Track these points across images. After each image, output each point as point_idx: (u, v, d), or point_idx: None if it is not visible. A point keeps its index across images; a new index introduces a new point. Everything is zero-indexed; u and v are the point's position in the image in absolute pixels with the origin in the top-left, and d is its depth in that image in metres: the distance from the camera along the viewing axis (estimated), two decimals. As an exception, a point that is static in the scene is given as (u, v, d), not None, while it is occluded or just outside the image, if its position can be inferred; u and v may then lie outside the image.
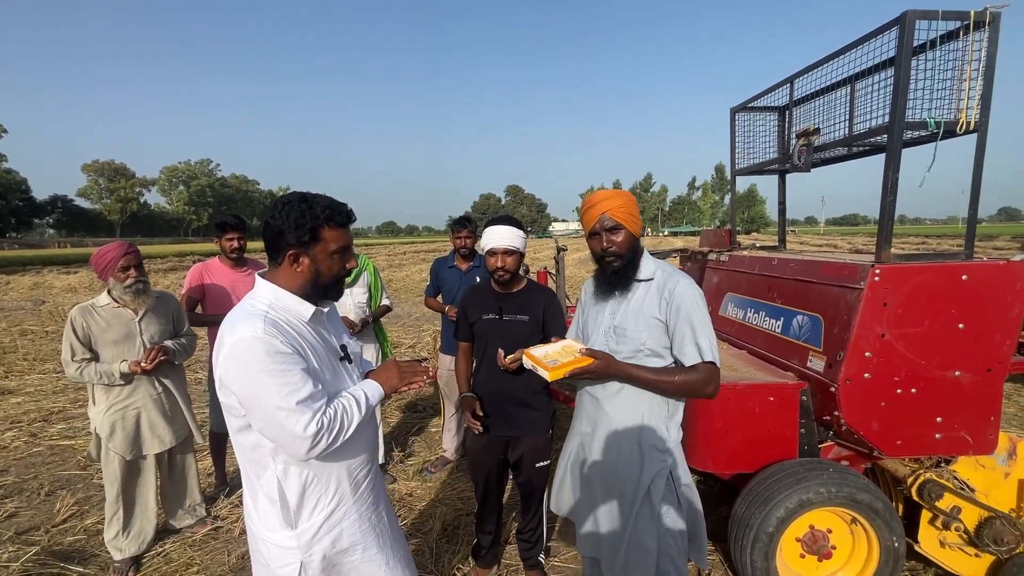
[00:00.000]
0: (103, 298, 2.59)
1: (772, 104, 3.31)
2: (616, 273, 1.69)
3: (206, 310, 3.20)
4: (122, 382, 2.54)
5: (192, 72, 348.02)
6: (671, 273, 1.67)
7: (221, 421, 3.29)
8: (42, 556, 2.66)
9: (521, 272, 2.36)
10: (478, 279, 3.47)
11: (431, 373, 1.54)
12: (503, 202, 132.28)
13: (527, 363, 1.69)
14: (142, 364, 2.50)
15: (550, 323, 2.25)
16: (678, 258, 4.82)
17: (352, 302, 3.32)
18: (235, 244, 3.21)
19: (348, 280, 3.26)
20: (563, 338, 1.82)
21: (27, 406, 5.13)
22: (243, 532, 2.88)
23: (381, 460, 3.47)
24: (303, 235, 1.30)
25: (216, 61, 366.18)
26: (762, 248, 3.54)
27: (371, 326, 3.44)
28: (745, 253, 3.32)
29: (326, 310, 1.45)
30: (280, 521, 1.34)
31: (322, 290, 1.38)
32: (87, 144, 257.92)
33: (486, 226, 2.26)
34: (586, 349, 1.62)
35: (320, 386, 1.29)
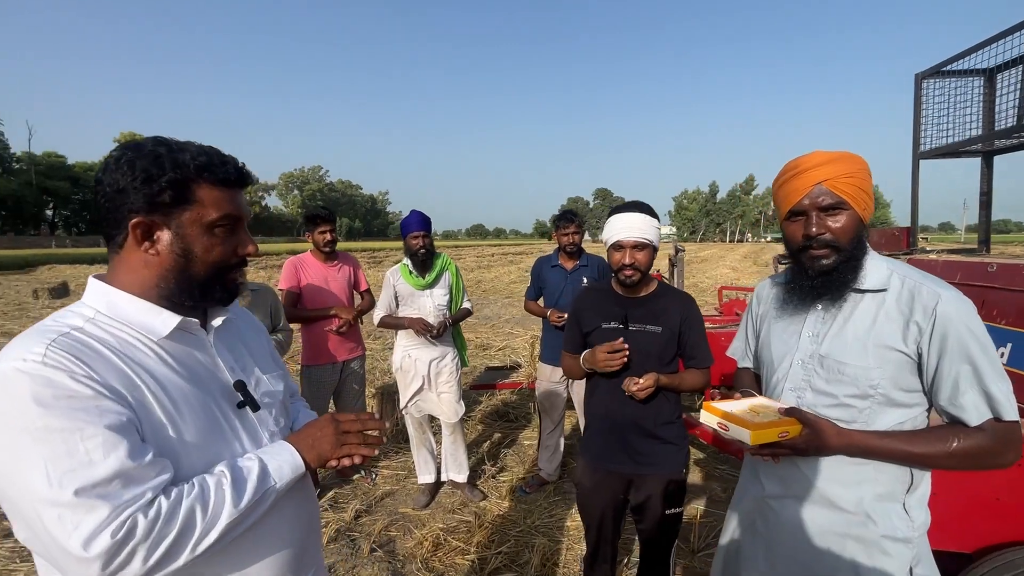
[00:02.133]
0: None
1: (976, 67, 2.57)
2: (826, 274, 1.16)
3: (303, 303, 3.13)
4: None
5: (308, 81, 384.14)
6: (922, 280, 1.12)
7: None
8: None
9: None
10: (585, 280, 3.07)
11: (383, 439, 1.06)
12: (591, 205, 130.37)
13: (708, 418, 1.22)
14: None
15: (687, 337, 1.81)
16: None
17: (432, 304, 3.05)
18: (328, 237, 3.13)
19: (428, 279, 3.00)
20: (752, 393, 1.31)
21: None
22: (330, 540, 2.73)
23: (464, 478, 3.20)
24: (159, 193, 0.81)
25: (326, 70, 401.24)
26: (954, 252, 2.78)
27: (450, 330, 3.15)
28: (933, 257, 2.60)
29: (216, 323, 0.93)
30: None
31: (198, 287, 0.87)
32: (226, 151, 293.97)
33: (610, 214, 1.85)
34: (789, 409, 1.13)
35: (149, 456, 0.74)
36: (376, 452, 1.00)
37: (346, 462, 0.95)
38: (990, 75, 2.54)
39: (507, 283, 16.11)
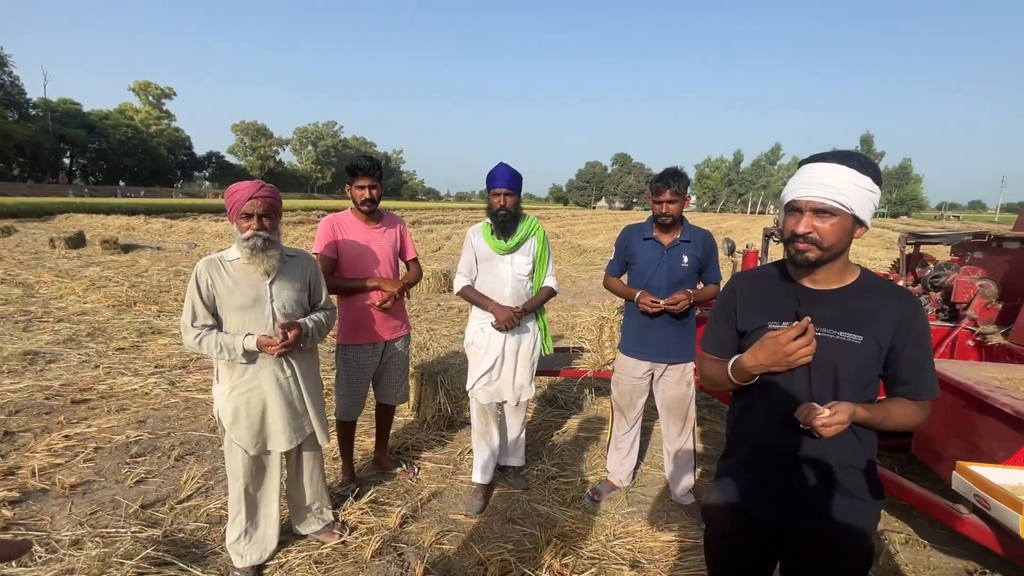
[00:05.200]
0: (233, 251, 2.05)
1: None
2: None
3: (341, 271, 2.62)
4: (244, 360, 2.00)
5: (321, 34, 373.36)
6: None
7: (350, 408, 2.75)
8: (161, 548, 2.28)
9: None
10: (686, 259, 2.51)
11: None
12: (609, 170, 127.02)
13: (962, 486, 1.01)
14: (278, 343, 1.94)
15: (903, 354, 1.22)
16: (961, 244, 3.38)
17: (511, 272, 2.57)
18: (366, 194, 2.57)
19: (510, 244, 2.52)
20: None
21: (171, 348, 5.20)
22: (375, 555, 2.32)
23: (519, 462, 2.93)
24: None
25: (340, 24, 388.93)
26: None
27: (534, 315, 2.72)
28: None
29: None
30: None
31: None
32: (237, 105, 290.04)
33: (800, 165, 1.29)
34: None
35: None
36: None
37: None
38: None
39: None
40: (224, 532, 2.29)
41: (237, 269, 2.02)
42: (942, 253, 4.16)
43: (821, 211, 1.17)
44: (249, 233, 1.94)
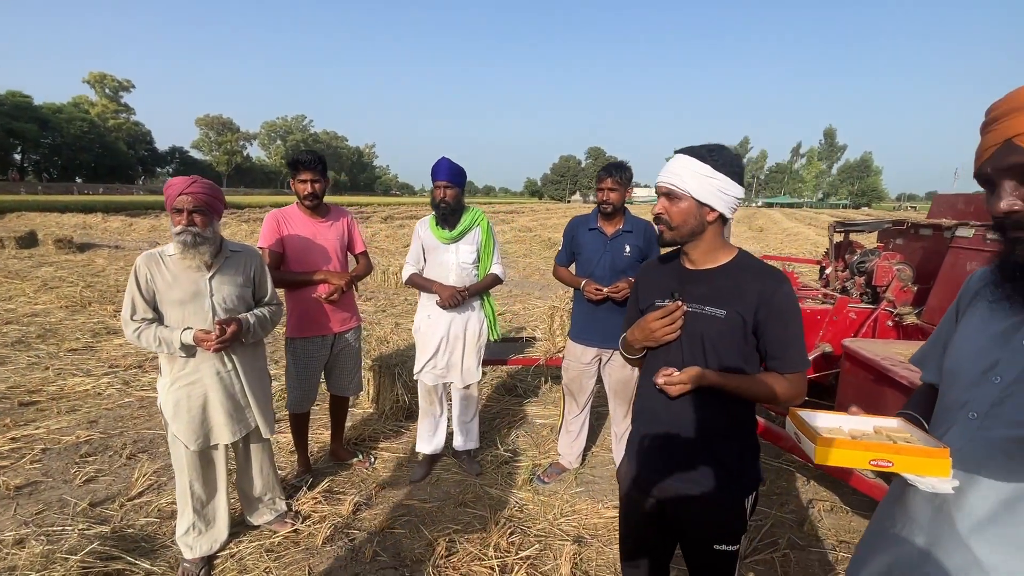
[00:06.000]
0: (172, 246, 2.07)
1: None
2: None
3: (287, 265, 2.65)
4: (183, 354, 2.02)
5: (292, 26, 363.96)
6: None
7: (301, 400, 2.79)
8: (109, 543, 2.29)
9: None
10: (627, 248, 2.62)
11: None
12: (583, 164, 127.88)
13: (789, 427, 1.02)
14: (213, 338, 1.97)
15: (766, 329, 1.31)
16: (884, 231, 3.62)
17: (455, 261, 2.70)
18: (309, 188, 2.60)
19: (452, 234, 2.65)
20: (917, 419, 1.02)
21: (127, 348, 5.10)
22: (326, 541, 2.37)
23: (471, 446, 3.01)
24: None
25: (310, 17, 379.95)
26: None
27: (480, 298, 2.85)
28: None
29: None
30: None
31: None
32: (200, 99, 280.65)
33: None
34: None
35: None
36: None
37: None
38: None
39: (501, 243, 15.57)
40: (175, 526, 2.31)
41: (176, 263, 2.03)
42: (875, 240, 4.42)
43: (668, 195, 1.33)
44: (179, 228, 1.96)
